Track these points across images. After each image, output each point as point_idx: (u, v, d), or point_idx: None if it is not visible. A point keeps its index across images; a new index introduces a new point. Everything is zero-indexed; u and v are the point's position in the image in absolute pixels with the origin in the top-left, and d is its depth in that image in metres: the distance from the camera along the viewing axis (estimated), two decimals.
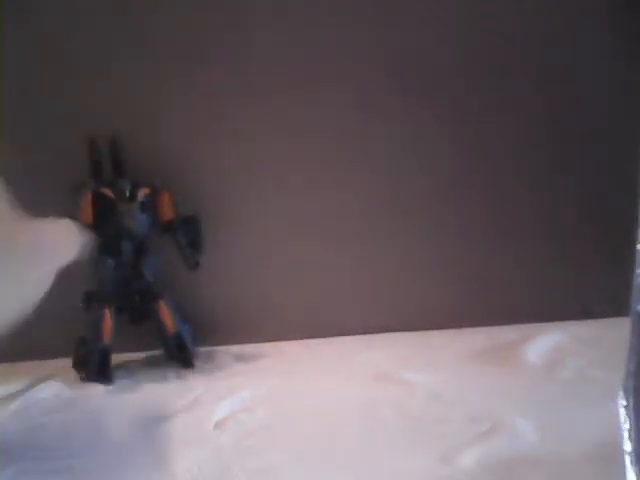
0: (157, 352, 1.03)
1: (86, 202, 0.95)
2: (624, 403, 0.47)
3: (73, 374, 0.95)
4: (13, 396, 0.86)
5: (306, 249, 1.05)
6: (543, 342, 0.92)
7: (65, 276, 0.89)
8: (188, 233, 0.99)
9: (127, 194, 0.95)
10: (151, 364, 1.01)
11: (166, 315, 0.97)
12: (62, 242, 0.50)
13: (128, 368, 0.99)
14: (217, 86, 1.02)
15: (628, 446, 0.46)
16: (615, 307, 0.99)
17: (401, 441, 0.68)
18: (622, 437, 0.47)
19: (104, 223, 0.95)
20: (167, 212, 0.99)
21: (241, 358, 1.00)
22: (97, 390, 0.91)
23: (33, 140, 1.02)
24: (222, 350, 1.03)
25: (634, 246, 1.04)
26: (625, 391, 0.47)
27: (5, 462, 0.67)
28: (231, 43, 1.01)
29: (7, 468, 0.66)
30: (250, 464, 0.65)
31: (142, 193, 0.96)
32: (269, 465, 0.64)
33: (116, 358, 0.98)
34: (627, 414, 0.46)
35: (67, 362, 0.97)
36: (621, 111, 1.02)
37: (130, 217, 0.95)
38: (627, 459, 0.46)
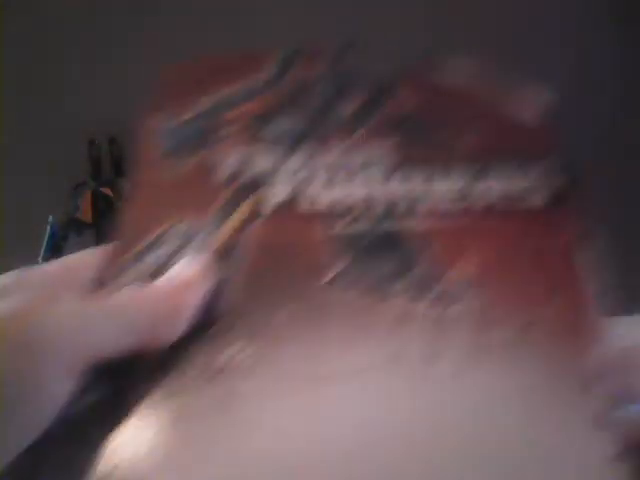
0: None
1: (86, 202, 0.95)
2: None
3: None
4: None
5: None
6: None
7: None
8: None
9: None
10: None
11: None
12: None
13: None
14: None
15: None
16: (615, 307, 0.99)
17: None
18: None
19: (104, 223, 0.95)
20: None
21: None
22: None
23: (33, 140, 1.03)
24: None
25: (633, 246, 1.05)
26: None
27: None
28: (232, 43, 1.01)
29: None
30: None
31: None
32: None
33: None
34: None
35: None
36: (624, 112, 1.02)
37: None
38: None
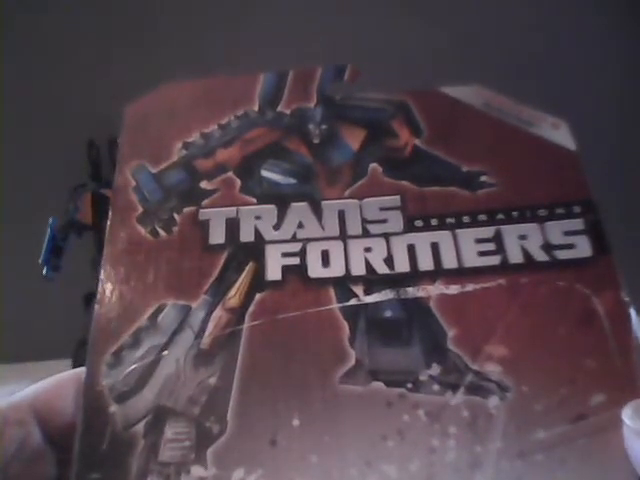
0: None
1: (86, 203, 0.95)
2: None
3: None
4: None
5: None
6: None
7: (65, 276, 0.89)
8: None
9: None
10: None
11: None
12: None
13: None
14: None
15: None
16: None
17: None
18: None
19: (104, 224, 0.95)
20: None
21: None
22: None
23: (33, 140, 1.02)
24: None
25: (633, 246, 1.05)
26: None
27: None
28: (232, 44, 1.00)
29: None
30: None
31: None
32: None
33: None
34: None
35: (67, 363, 0.97)
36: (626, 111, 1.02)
37: None
38: None
